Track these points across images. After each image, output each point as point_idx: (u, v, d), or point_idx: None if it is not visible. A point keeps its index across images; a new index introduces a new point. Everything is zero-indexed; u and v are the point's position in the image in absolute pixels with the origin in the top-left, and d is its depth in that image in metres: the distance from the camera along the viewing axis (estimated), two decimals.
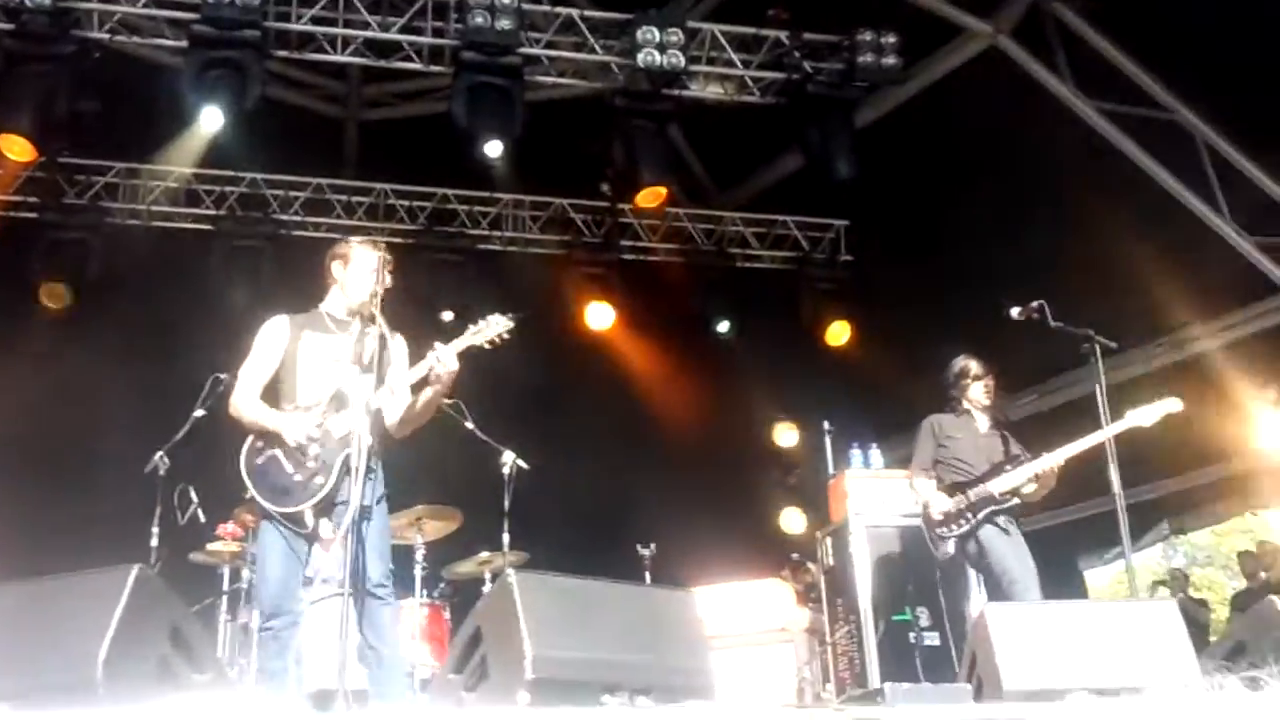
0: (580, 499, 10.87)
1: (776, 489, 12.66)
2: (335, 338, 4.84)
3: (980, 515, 6.06)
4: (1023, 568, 5.89)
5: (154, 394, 8.60)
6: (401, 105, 11.56)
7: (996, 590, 5.91)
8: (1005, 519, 6.06)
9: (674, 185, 9.53)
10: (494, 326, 4.79)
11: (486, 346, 4.81)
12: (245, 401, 4.81)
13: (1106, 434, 5.72)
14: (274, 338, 4.92)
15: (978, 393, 6.50)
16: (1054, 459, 5.94)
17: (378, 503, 4.70)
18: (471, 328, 4.82)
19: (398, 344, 4.99)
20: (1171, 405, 5.88)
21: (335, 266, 5.00)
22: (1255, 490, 11.28)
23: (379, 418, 4.74)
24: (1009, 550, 5.96)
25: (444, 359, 4.68)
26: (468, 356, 4.77)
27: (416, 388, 4.84)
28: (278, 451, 4.66)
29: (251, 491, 4.66)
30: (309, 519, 4.55)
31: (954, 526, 6.14)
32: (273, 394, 4.85)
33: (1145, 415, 5.83)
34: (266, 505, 4.62)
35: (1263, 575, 10.46)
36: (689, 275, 11.52)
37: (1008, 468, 6.11)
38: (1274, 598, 4.88)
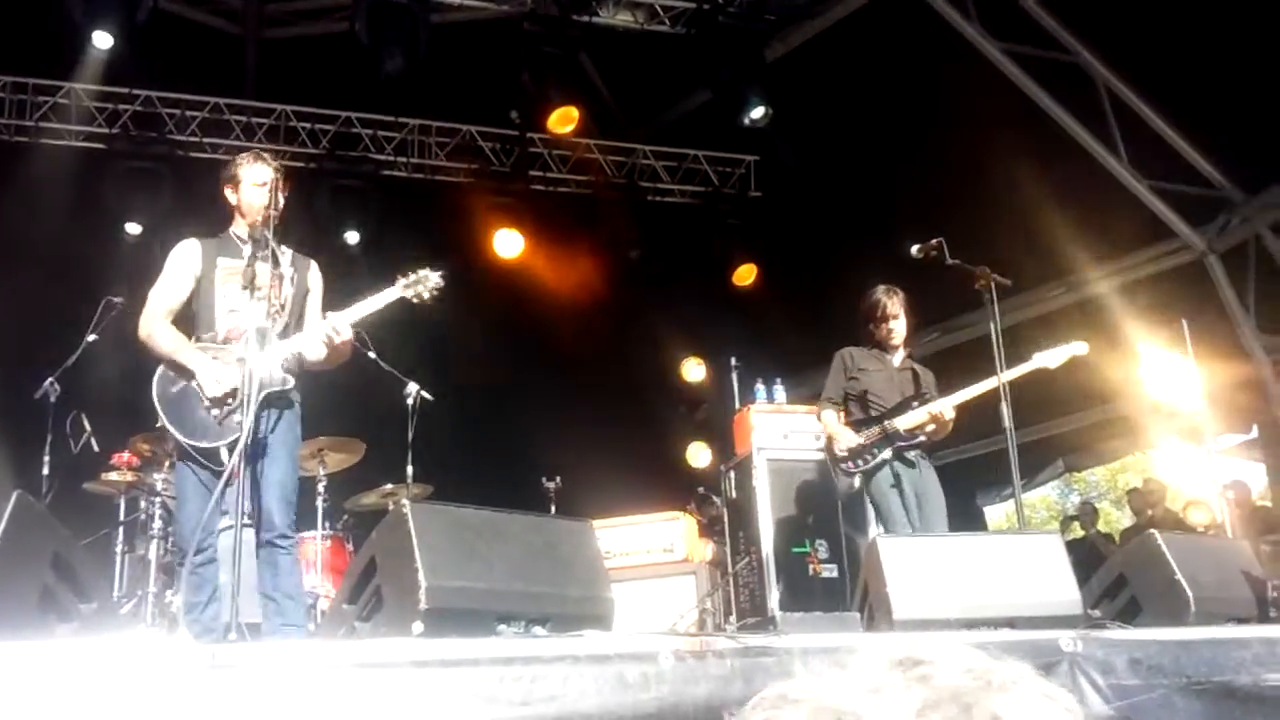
0: (486, 432, 10.84)
1: (684, 423, 12.74)
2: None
3: (886, 451, 6.00)
4: (929, 503, 5.90)
5: (44, 318, 8.34)
6: (303, 24, 11.21)
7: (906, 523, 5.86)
8: (915, 454, 6.02)
9: (585, 113, 9.43)
10: (424, 283, 4.76)
11: (415, 301, 4.76)
12: (159, 330, 4.64)
13: (1013, 374, 5.71)
14: (186, 262, 4.75)
15: (890, 329, 6.34)
16: (951, 401, 5.92)
17: (285, 443, 4.62)
18: (401, 280, 4.76)
19: (314, 273, 4.90)
20: (1077, 349, 5.92)
21: (228, 191, 4.84)
22: (1145, 430, 11.66)
23: (298, 356, 4.66)
24: (916, 484, 5.95)
25: (339, 329, 4.61)
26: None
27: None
28: (194, 384, 4.53)
29: (164, 422, 4.53)
30: (224, 457, 4.43)
31: (859, 462, 6.06)
32: (185, 322, 4.71)
33: (1051, 358, 5.87)
34: (180, 438, 4.50)
35: (1149, 512, 10.85)
36: (598, 208, 11.46)
37: (914, 404, 6.06)
38: (1154, 531, 5.04)
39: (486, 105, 10.53)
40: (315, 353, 4.71)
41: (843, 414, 6.33)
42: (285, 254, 4.78)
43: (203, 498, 4.46)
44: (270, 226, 4.42)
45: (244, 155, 4.95)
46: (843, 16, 9.94)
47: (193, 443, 4.48)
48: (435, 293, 4.79)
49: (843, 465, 6.14)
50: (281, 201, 4.55)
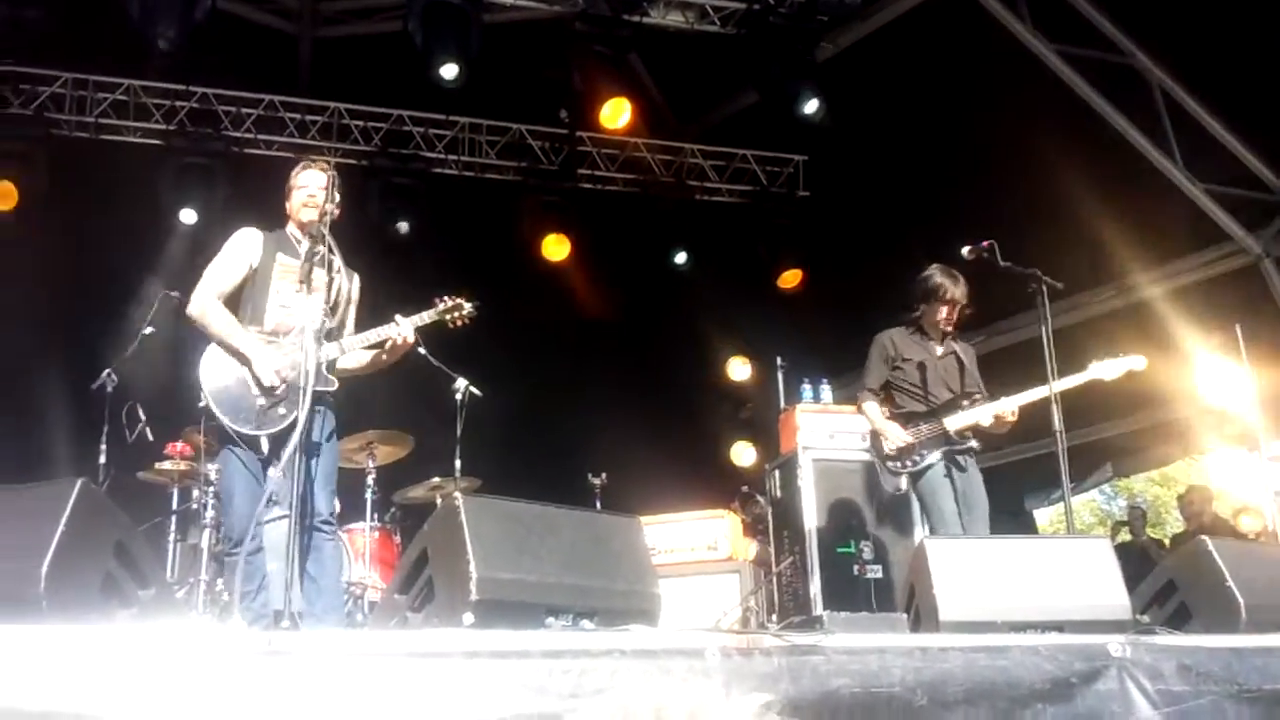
0: (533, 428, 10.91)
1: (729, 422, 12.75)
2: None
3: (937, 453, 5.78)
4: (976, 506, 5.71)
5: (102, 311, 8.50)
6: (357, 23, 11.32)
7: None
8: (964, 457, 5.80)
9: (634, 111, 9.46)
10: (458, 310, 4.91)
11: (449, 326, 4.90)
12: (213, 309, 4.74)
13: (1067, 383, 5.59)
14: (246, 250, 4.86)
15: (936, 316, 6.07)
16: (1015, 402, 5.70)
17: (327, 439, 4.72)
18: (439, 304, 4.90)
19: (356, 285, 5.04)
20: (1135, 363, 5.75)
21: (289, 195, 4.97)
22: (1197, 435, 11.51)
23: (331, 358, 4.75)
24: (965, 487, 5.74)
25: (404, 331, 4.75)
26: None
27: (371, 346, 4.90)
28: (245, 373, 4.62)
29: (209, 402, 4.61)
30: (264, 446, 4.53)
31: (908, 463, 5.82)
32: (233, 308, 4.79)
33: (1108, 369, 5.72)
34: (224, 420, 4.57)
35: (1201, 518, 10.72)
36: (647, 206, 11.49)
37: (964, 404, 5.83)
38: (1205, 538, 4.99)
39: (537, 104, 10.59)
40: (357, 359, 4.86)
41: (885, 406, 6.09)
42: (336, 260, 4.83)
43: (250, 485, 4.55)
44: (326, 226, 4.47)
45: (305, 161, 5.05)
46: (894, 17, 9.89)
47: (236, 427, 4.56)
48: (467, 322, 4.95)
49: (890, 464, 5.90)
50: (337, 200, 4.63)
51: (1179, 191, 9.50)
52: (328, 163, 4.91)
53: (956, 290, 5.99)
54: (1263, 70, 8.71)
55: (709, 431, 12.61)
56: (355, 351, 4.88)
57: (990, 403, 5.81)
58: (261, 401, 4.59)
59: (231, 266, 4.83)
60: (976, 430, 5.81)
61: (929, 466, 5.78)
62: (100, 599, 3.53)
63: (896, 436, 5.87)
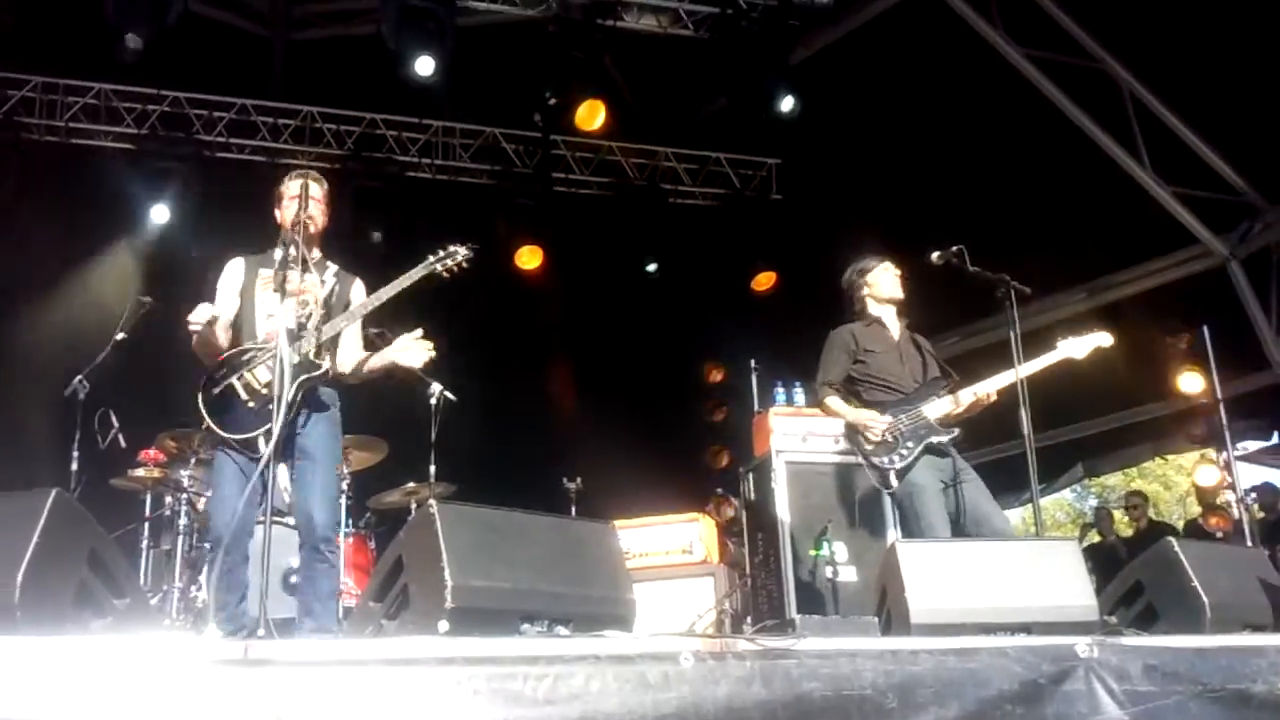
0: (507, 432, 10.90)
1: (703, 425, 12.78)
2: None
3: (920, 445, 5.49)
4: (971, 483, 5.46)
5: (73, 316, 8.45)
6: (330, 26, 11.30)
7: (956, 532, 5.38)
8: (947, 447, 5.53)
9: (608, 115, 9.49)
10: (454, 255, 4.93)
11: (445, 275, 4.92)
12: (195, 340, 4.83)
13: (1040, 364, 5.55)
14: (230, 279, 5.03)
15: (887, 284, 5.89)
16: (995, 383, 5.50)
17: (326, 447, 4.79)
18: (431, 256, 4.93)
19: (358, 288, 5.10)
20: (1102, 339, 5.69)
21: (276, 210, 5.07)
22: (1166, 435, 11.65)
23: (333, 356, 4.85)
24: (952, 471, 5.49)
25: (412, 356, 4.82)
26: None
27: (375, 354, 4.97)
28: (234, 381, 4.72)
29: (208, 422, 4.71)
30: (262, 446, 4.56)
31: (894, 457, 5.48)
32: (236, 332, 4.92)
33: (1077, 347, 5.64)
34: (221, 433, 4.67)
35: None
36: (620, 209, 11.51)
37: (940, 391, 5.61)
38: (1170, 539, 5.06)
39: (510, 108, 10.60)
40: (350, 355, 4.96)
41: (851, 401, 5.81)
42: (329, 267, 5.04)
43: (237, 485, 4.56)
44: (299, 232, 4.59)
45: (292, 173, 5.13)
46: (866, 21, 9.96)
47: (235, 437, 4.65)
48: (464, 266, 4.96)
49: (874, 460, 5.53)
50: (315, 209, 4.79)
51: (1148, 194, 9.61)
52: (307, 172, 4.99)
53: (885, 258, 5.94)
54: (1230, 75, 8.84)
55: (683, 435, 12.63)
56: (354, 350, 4.97)
57: (966, 387, 5.59)
58: (252, 404, 4.68)
59: (221, 301, 4.96)
60: (955, 417, 5.60)
61: (914, 463, 5.48)
62: (74, 609, 3.54)
63: (877, 423, 5.55)
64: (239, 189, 9.30)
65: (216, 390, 4.75)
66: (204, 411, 4.73)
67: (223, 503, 4.67)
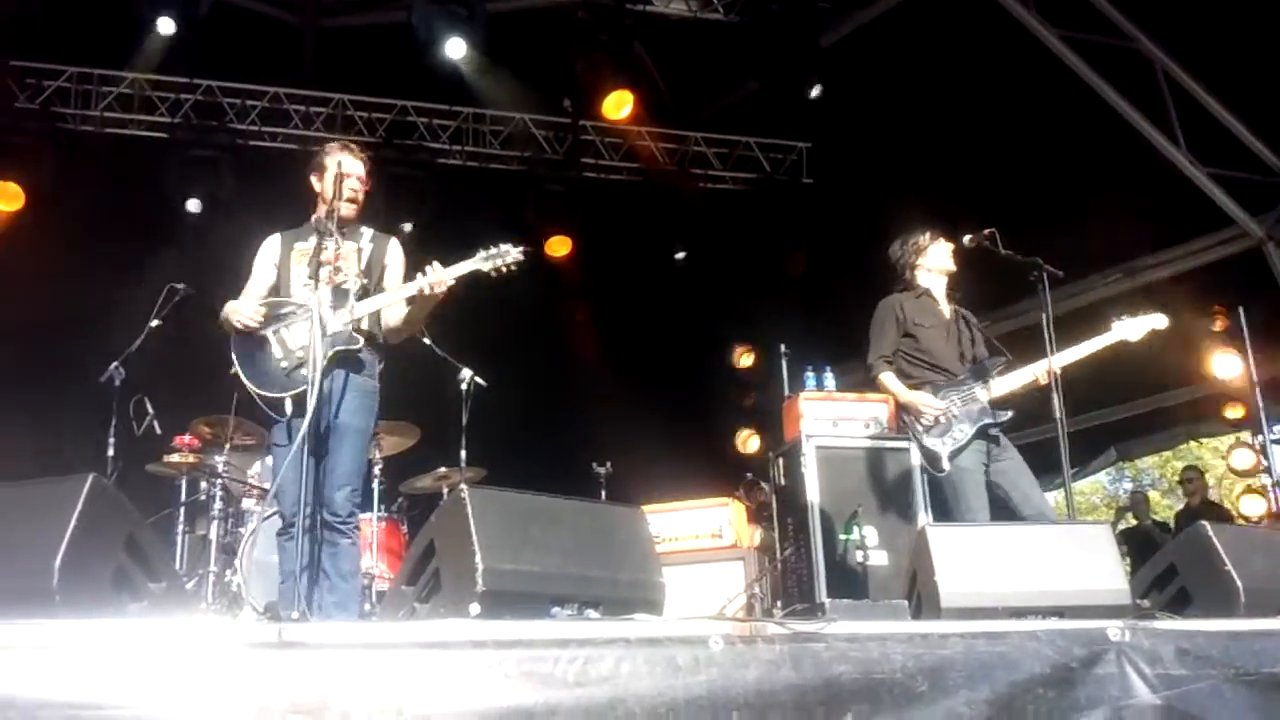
0: (538, 417, 10.95)
1: (733, 410, 12.77)
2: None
3: (974, 428, 5.43)
4: (1018, 472, 5.43)
5: (109, 304, 8.54)
6: (360, 13, 11.34)
7: (1004, 511, 5.37)
8: (998, 431, 5.46)
9: (638, 100, 9.49)
10: (505, 256, 4.85)
11: (492, 274, 4.85)
12: (229, 303, 4.92)
13: (1095, 345, 5.53)
14: (266, 254, 5.08)
15: (939, 255, 5.79)
16: (1059, 361, 5.35)
17: (357, 426, 4.75)
18: (482, 253, 4.85)
19: (393, 248, 5.10)
20: (1157, 321, 5.64)
21: (313, 179, 5.10)
22: (1200, 418, 11.55)
23: (375, 320, 4.88)
24: (1003, 459, 5.47)
25: (432, 279, 4.74)
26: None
27: (409, 300, 4.93)
28: (268, 334, 4.78)
29: (236, 369, 4.78)
30: (288, 408, 4.61)
31: (948, 440, 5.42)
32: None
33: (1132, 329, 5.61)
34: (248, 384, 4.74)
35: (1190, 501, 10.79)
36: (650, 194, 11.51)
37: (994, 371, 5.49)
38: (1203, 523, 5.01)
39: (540, 94, 10.60)
40: (395, 313, 4.93)
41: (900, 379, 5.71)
42: (365, 233, 5.04)
43: (290, 467, 4.56)
44: (337, 209, 4.68)
45: (331, 145, 5.22)
46: (897, 3, 9.89)
47: (261, 391, 4.71)
48: (514, 268, 4.88)
49: (927, 444, 5.47)
50: (355, 184, 4.96)
51: (1182, 175, 9.50)
52: (350, 146, 5.12)
53: (936, 229, 5.82)
54: (1267, 53, 8.71)
55: (713, 419, 12.63)
56: (396, 307, 4.94)
57: (1025, 366, 5.47)
58: (284, 364, 4.72)
59: (258, 275, 5.04)
60: (1009, 399, 5.50)
61: (966, 445, 5.42)
62: (111, 592, 3.58)
63: (931, 406, 5.47)
64: (272, 176, 9.36)
65: (249, 343, 4.80)
66: (234, 357, 4.79)
67: (278, 485, 4.68)
